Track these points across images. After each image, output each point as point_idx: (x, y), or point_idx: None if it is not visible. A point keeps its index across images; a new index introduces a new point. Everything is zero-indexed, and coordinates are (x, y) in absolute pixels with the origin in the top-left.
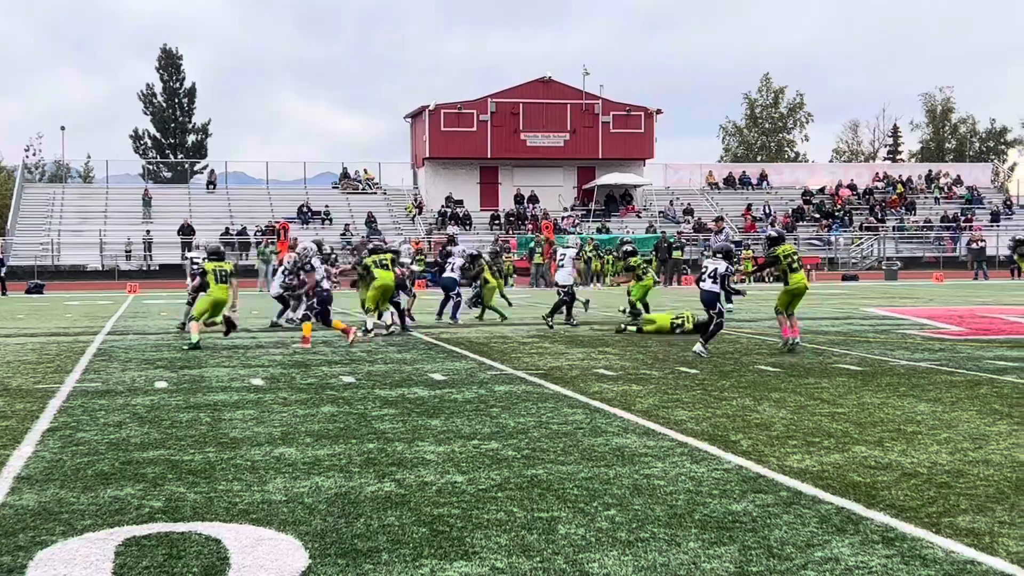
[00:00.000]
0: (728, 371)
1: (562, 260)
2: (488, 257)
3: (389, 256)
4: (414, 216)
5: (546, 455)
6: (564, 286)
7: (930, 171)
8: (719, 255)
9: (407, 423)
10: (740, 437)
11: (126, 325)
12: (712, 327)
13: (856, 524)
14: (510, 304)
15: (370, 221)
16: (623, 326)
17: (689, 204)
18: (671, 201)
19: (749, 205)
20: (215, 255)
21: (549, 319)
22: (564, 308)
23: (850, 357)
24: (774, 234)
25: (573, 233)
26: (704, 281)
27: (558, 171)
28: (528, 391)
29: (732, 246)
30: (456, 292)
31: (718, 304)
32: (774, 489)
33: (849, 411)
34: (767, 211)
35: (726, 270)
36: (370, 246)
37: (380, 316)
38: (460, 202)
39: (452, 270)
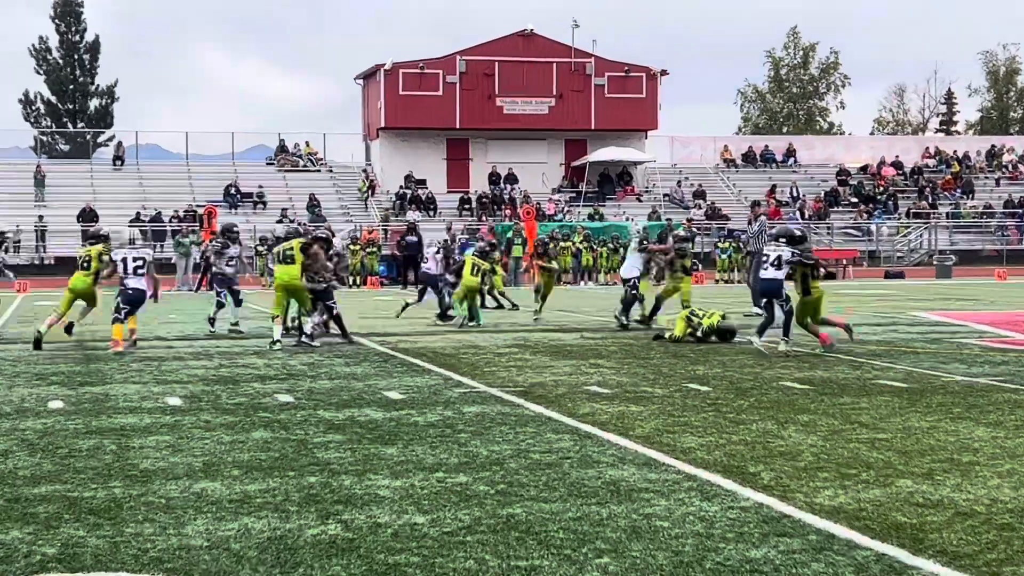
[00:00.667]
0: (747, 388)
1: (632, 249)
2: (477, 253)
3: (295, 245)
4: (367, 199)
5: (526, 490)
6: (628, 280)
7: (992, 146)
8: (782, 240)
9: (357, 452)
10: (761, 468)
11: (15, 332)
12: (785, 317)
13: (900, 574)
14: (514, 306)
15: (313, 204)
16: (670, 335)
17: (700, 185)
18: (679, 182)
19: (773, 187)
20: (92, 239)
21: (622, 317)
22: (643, 307)
23: (894, 371)
24: (798, 233)
25: (565, 221)
26: (766, 269)
27: (541, 145)
28: (504, 413)
29: (796, 230)
30: (440, 287)
31: (783, 292)
32: (801, 532)
33: (892, 437)
34: (795, 193)
35: (792, 256)
36: (318, 233)
37: (294, 322)
38: (422, 182)
39: (431, 262)
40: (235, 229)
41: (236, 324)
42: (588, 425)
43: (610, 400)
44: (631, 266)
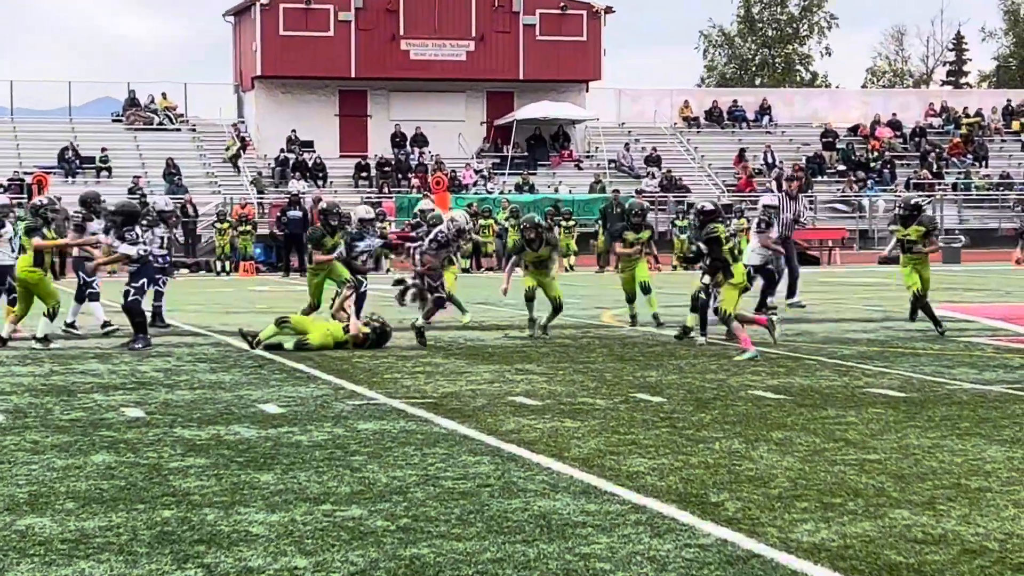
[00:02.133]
0: (708, 399)
1: (754, 230)
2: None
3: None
4: (237, 163)
5: (434, 526)
6: (758, 266)
7: (1009, 102)
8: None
9: (223, 479)
10: (725, 497)
11: None
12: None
13: None
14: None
15: (171, 172)
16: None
17: (654, 150)
18: (627, 145)
19: (742, 151)
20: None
21: (770, 313)
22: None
23: (888, 378)
24: (709, 207)
25: (487, 193)
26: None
27: (458, 99)
28: (409, 430)
29: (708, 204)
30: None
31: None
32: (774, 575)
33: (886, 458)
34: (770, 159)
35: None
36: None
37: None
38: (309, 144)
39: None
40: (100, 200)
41: (72, 324)
42: (513, 445)
43: (540, 414)
44: (755, 252)
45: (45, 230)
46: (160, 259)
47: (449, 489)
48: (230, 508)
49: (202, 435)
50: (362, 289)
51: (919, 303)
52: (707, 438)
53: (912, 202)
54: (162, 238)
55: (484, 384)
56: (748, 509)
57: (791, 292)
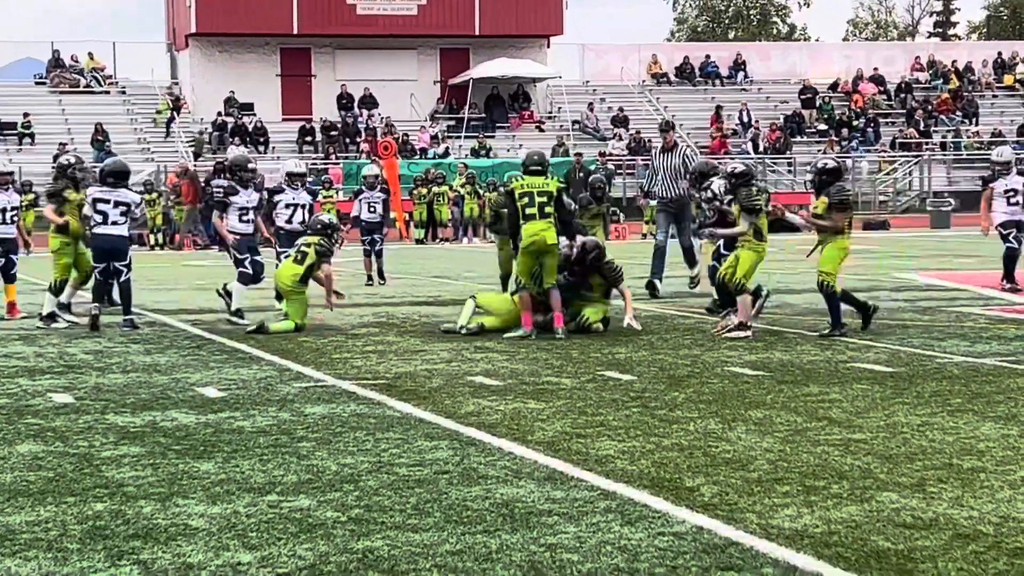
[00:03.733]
0: (682, 376)
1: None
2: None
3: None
4: (170, 127)
5: (388, 517)
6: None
7: (1000, 55)
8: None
9: (160, 469)
10: (701, 482)
11: None
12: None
13: None
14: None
15: (100, 138)
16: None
17: (621, 110)
18: (592, 104)
19: (718, 109)
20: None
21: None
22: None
23: (875, 351)
24: (740, 168)
25: (451, 161)
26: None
27: (409, 57)
28: (360, 414)
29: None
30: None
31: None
32: (754, 564)
33: (872, 437)
34: (745, 118)
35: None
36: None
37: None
38: (249, 107)
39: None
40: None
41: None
42: (472, 428)
43: (501, 395)
44: (1003, 211)
45: (69, 192)
46: None
47: (404, 477)
48: (167, 500)
49: (136, 422)
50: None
51: (822, 291)
52: (681, 418)
53: (820, 165)
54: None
55: (441, 363)
56: (725, 494)
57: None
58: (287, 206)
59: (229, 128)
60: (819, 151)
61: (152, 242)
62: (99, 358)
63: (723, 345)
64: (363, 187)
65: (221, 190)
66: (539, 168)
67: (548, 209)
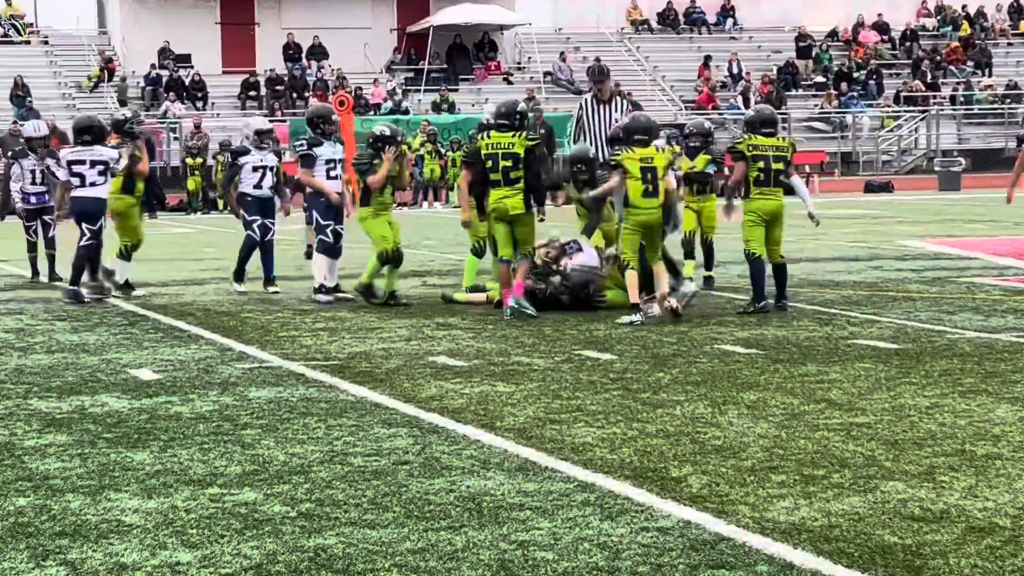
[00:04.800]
0: (667, 355)
1: None
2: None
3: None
4: (98, 82)
5: (343, 512)
6: None
7: None
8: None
9: (89, 460)
10: (688, 471)
11: None
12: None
13: None
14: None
15: (20, 93)
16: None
17: (597, 60)
18: (564, 54)
19: (707, 58)
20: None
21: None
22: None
23: (879, 327)
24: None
25: (411, 118)
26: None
27: (362, 2)
28: (310, 398)
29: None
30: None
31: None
32: (747, 561)
33: (877, 421)
34: (735, 69)
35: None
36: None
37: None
38: (185, 58)
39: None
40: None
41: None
42: (435, 414)
43: (467, 377)
44: None
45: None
46: (35, 197)
47: (359, 468)
48: (98, 494)
49: (63, 407)
50: (266, 237)
51: (688, 247)
52: (666, 402)
53: (686, 129)
54: (33, 171)
55: (399, 342)
56: (715, 485)
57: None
58: (255, 169)
59: (164, 82)
60: (816, 105)
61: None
62: (21, 337)
63: (711, 320)
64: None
65: (304, 144)
66: (507, 122)
67: (514, 174)
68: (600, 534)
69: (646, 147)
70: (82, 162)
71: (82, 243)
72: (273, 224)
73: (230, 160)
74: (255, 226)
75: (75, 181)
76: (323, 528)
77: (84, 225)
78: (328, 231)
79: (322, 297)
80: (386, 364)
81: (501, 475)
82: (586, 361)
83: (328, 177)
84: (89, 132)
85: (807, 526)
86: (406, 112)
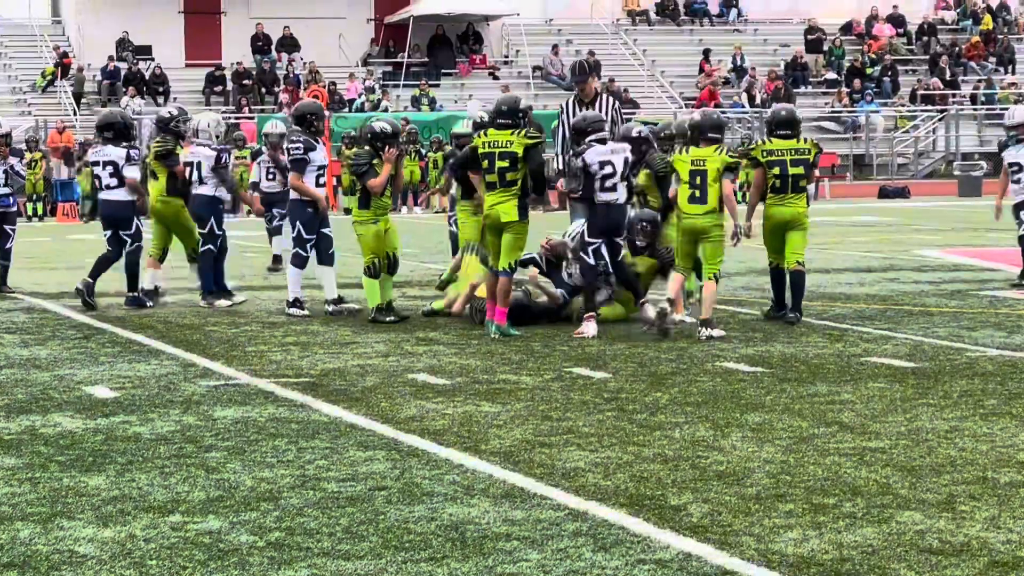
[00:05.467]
0: (666, 373)
1: None
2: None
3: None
4: (52, 80)
5: (315, 541)
6: None
7: None
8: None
9: (41, 485)
10: (688, 499)
11: None
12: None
13: None
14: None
15: None
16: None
17: (591, 53)
18: (556, 47)
19: (707, 52)
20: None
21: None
22: None
23: (894, 343)
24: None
25: (376, 111)
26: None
27: None
28: (281, 418)
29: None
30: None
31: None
32: None
33: (892, 445)
34: (738, 61)
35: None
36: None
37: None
38: (145, 50)
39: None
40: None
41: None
42: (415, 436)
43: (449, 396)
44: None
45: (180, 149)
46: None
47: (333, 494)
48: (50, 522)
49: (11, 428)
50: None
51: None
52: (664, 424)
53: (635, 132)
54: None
55: (376, 358)
56: (718, 514)
57: None
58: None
59: (122, 75)
60: (826, 104)
61: (31, 212)
62: None
63: (714, 336)
64: (264, 147)
65: (300, 147)
66: (508, 120)
67: (511, 176)
68: (593, 567)
69: (710, 145)
70: (96, 163)
71: (126, 250)
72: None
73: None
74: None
75: (97, 183)
76: (294, 559)
77: (121, 232)
78: (308, 244)
79: (294, 311)
80: (362, 382)
81: (486, 502)
82: (578, 379)
83: (316, 184)
84: (110, 129)
85: (817, 559)
86: (385, 110)
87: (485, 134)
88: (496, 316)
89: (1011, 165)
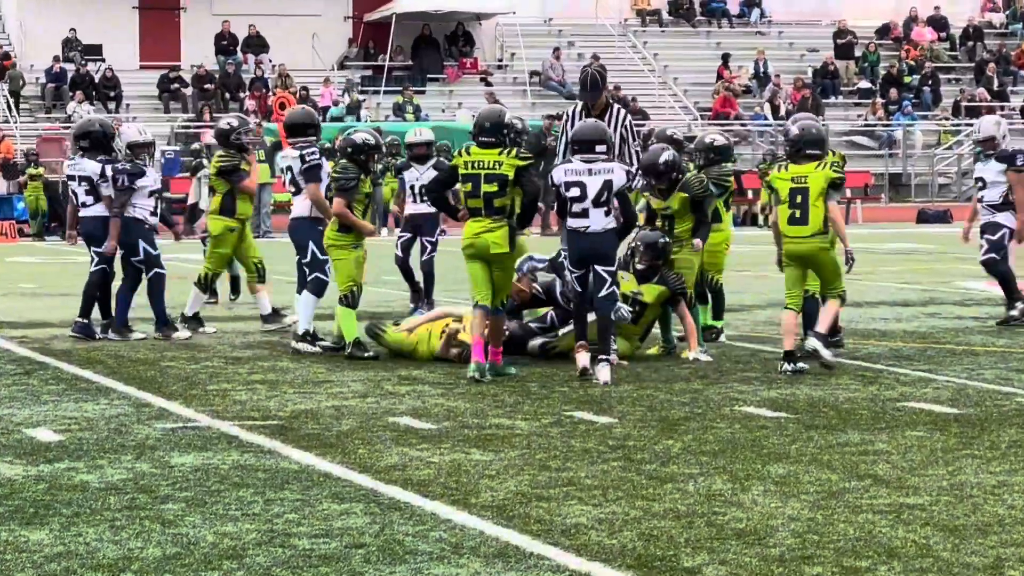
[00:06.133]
0: (679, 419)
1: None
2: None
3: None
4: None
5: None
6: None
7: None
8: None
9: None
10: (703, 560)
11: None
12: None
13: None
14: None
15: None
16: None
17: (596, 57)
18: (557, 51)
19: (725, 57)
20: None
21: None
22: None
23: (935, 387)
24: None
25: (366, 124)
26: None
27: None
28: (245, 465)
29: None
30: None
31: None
32: None
33: (932, 502)
34: (761, 70)
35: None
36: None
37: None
38: (95, 50)
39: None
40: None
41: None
42: (396, 487)
43: (435, 442)
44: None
45: (245, 164)
46: None
47: (305, 551)
48: None
49: None
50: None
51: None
52: (677, 476)
53: (662, 160)
54: None
55: (353, 399)
56: None
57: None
58: (123, 189)
59: (69, 78)
60: (859, 116)
61: None
62: None
63: (732, 377)
64: (201, 160)
65: (315, 151)
66: (491, 138)
67: (500, 202)
68: None
69: (811, 161)
70: (72, 177)
71: (91, 269)
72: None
73: (126, 183)
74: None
75: (74, 200)
76: None
77: (91, 249)
78: (327, 266)
79: (304, 346)
80: (337, 425)
81: (477, 562)
82: (580, 424)
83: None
84: (87, 138)
85: None
86: (360, 118)
87: (467, 152)
88: (491, 356)
89: (977, 180)
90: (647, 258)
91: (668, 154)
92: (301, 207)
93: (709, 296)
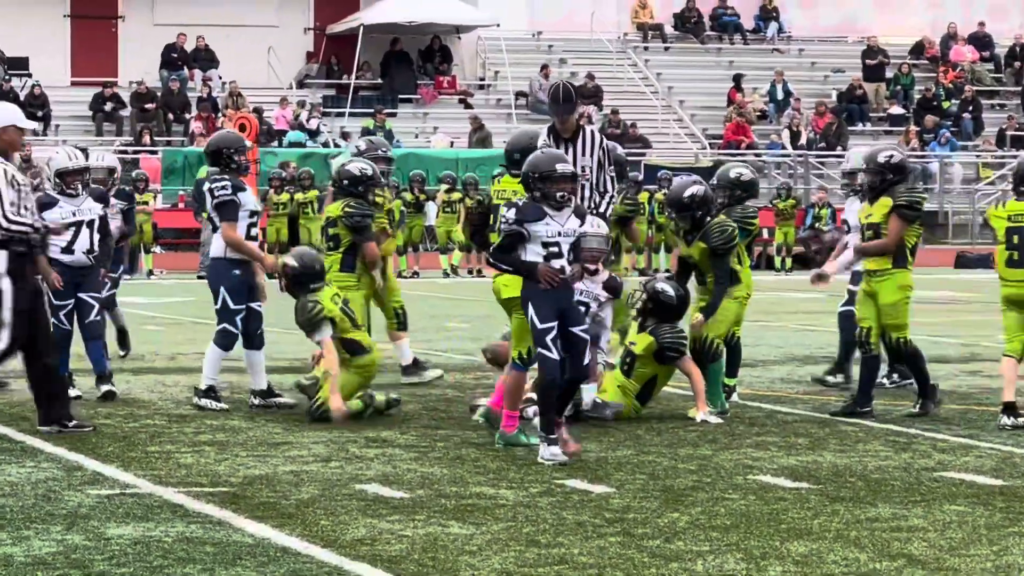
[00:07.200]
0: (685, 488)
1: None
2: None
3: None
4: None
5: None
6: None
7: None
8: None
9: None
10: None
11: None
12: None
13: None
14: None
15: None
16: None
17: (591, 77)
18: (546, 68)
19: (738, 78)
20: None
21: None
22: None
23: (976, 454)
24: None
25: (329, 151)
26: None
27: None
28: (192, 538)
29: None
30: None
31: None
32: None
33: None
34: (780, 94)
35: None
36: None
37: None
38: (21, 63)
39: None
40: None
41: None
42: (363, 563)
43: (409, 513)
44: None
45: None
46: None
47: None
48: None
49: None
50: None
51: (899, 353)
52: (683, 553)
53: (688, 194)
54: None
55: (314, 463)
56: None
57: None
58: (66, 226)
59: None
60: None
61: None
62: None
63: (746, 442)
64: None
65: (228, 186)
66: (518, 168)
67: None
68: None
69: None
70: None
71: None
72: (96, 299)
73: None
74: (61, 314)
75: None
76: None
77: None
78: (238, 317)
79: (208, 402)
80: (296, 493)
81: None
82: (572, 494)
83: (248, 236)
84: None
85: None
86: (325, 144)
87: (498, 181)
88: (503, 422)
89: (843, 223)
90: (648, 307)
91: (697, 188)
92: (217, 246)
93: (723, 351)
